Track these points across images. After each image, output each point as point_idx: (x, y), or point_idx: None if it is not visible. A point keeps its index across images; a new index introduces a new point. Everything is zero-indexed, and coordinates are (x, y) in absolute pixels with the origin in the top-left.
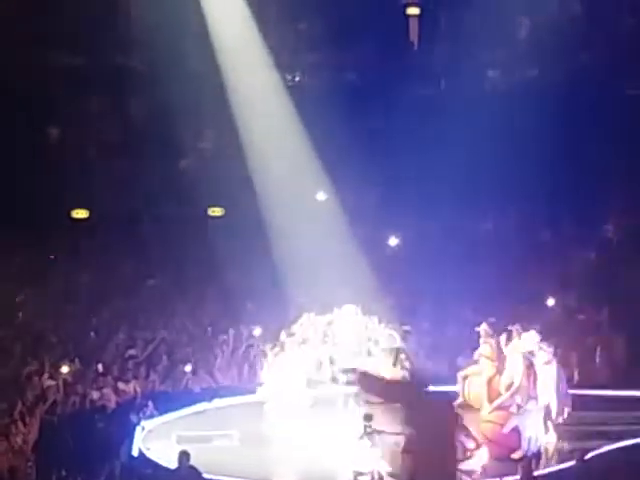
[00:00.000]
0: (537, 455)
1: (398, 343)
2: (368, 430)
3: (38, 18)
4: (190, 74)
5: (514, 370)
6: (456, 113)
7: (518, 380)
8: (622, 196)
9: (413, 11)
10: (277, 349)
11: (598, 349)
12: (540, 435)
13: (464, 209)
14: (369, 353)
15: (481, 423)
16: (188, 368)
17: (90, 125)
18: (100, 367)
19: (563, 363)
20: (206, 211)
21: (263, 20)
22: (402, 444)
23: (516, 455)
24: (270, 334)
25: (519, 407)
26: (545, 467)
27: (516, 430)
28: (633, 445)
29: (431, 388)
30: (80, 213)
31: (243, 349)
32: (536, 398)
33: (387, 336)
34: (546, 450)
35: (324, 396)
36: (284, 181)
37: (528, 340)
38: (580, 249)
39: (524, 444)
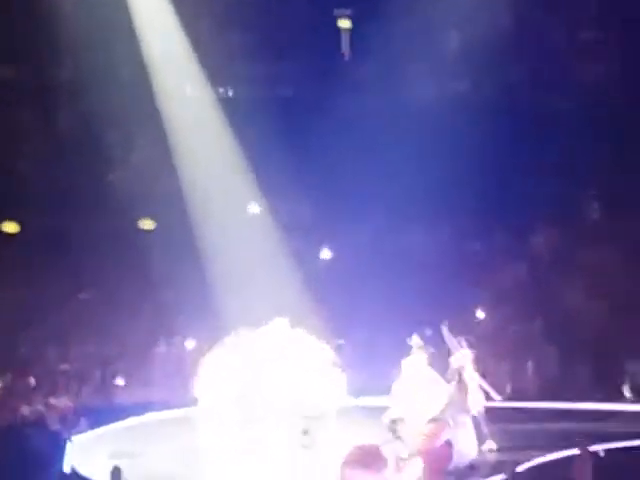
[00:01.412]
0: (470, 467)
1: (331, 356)
2: (304, 444)
3: None
4: (121, 85)
5: (446, 383)
6: (388, 125)
7: (450, 393)
8: (553, 206)
9: (344, 24)
10: (209, 362)
11: (530, 361)
12: (472, 447)
13: (396, 221)
14: (301, 367)
15: (414, 436)
16: (120, 382)
17: (19, 137)
18: (31, 382)
19: (495, 375)
20: (136, 224)
21: (195, 32)
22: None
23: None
24: (203, 347)
25: (452, 420)
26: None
27: (449, 443)
28: (562, 458)
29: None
30: (10, 227)
31: (176, 362)
32: (468, 411)
33: (319, 349)
34: (483, 461)
35: (256, 410)
36: (216, 194)
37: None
38: (513, 261)
39: (456, 457)
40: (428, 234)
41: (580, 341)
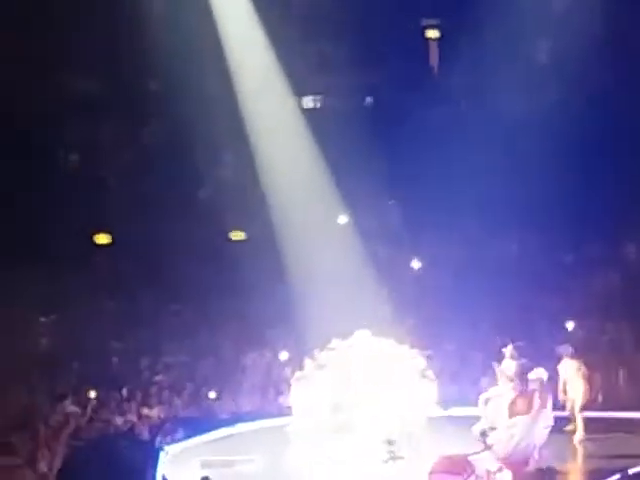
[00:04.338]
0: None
1: (421, 367)
2: (392, 455)
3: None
4: (207, 97)
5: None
6: (477, 136)
7: (537, 404)
8: None
9: (432, 34)
10: (301, 374)
11: (622, 370)
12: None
13: (486, 232)
14: (391, 377)
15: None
16: (212, 394)
17: (109, 151)
18: (124, 393)
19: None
20: (227, 236)
21: (280, 42)
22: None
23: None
24: (294, 358)
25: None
26: None
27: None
28: None
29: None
30: (102, 239)
31: (267, 374)
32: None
33: (409, 360)
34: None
35: (347, 421)
36: (302, 205)
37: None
38: (603, 270)
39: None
40: (520, 244)
41: None
